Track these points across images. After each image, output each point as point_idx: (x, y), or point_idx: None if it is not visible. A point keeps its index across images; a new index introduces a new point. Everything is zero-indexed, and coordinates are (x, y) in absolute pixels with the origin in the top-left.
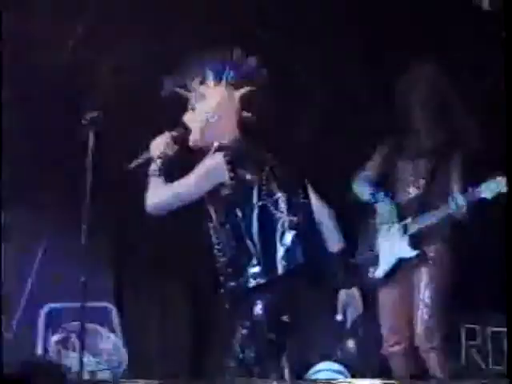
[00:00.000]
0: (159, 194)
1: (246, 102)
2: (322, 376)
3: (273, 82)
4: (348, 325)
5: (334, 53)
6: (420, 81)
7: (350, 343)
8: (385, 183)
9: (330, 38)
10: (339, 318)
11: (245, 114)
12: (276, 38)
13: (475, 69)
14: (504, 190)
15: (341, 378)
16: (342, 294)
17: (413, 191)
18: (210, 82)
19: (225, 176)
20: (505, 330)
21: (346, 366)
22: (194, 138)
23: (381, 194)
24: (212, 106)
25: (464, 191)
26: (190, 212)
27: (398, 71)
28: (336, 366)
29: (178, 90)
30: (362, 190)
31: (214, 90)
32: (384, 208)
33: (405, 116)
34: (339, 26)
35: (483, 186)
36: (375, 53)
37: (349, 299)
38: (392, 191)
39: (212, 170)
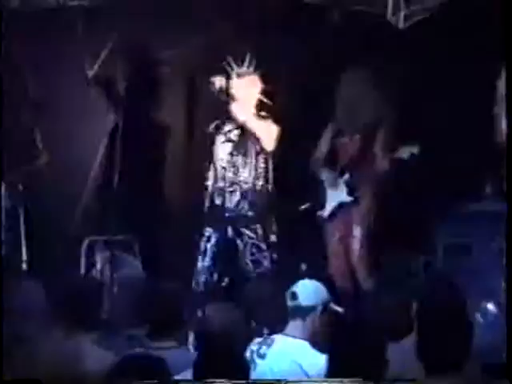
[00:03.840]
0: None
1: None
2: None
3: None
4: None
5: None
6: (354, 81)
7: (303, 266)
8: (331, 154)
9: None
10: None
11: None
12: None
13: (392, 73)
14: (415, 151)
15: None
16: None
17: (350, 156)
18: None
19: None
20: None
21: None
22: None
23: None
24: None
25: (386, 154)
26: None
27: (339, 75)
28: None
29: None
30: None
31: None
32: (328, 177)
33: (345, 105)
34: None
35: (400, 149)
36: (325, 62)
37: None
38: (335, 160)
39: None
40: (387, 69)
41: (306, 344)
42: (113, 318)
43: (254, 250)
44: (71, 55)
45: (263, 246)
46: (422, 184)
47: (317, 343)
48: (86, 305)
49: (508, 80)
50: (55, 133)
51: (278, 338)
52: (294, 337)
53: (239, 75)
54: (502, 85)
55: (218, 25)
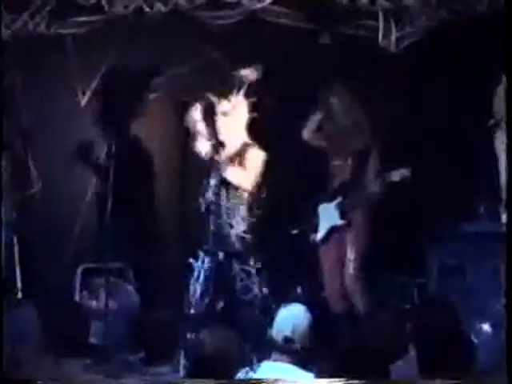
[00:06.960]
0: None
1: None
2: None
3: None
4: None
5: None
6: (346, 106)
7: (299, 289)
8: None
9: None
10: None
11: None
12: None
13: (385, 96)
14: (407, 174)
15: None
16: None
17: (342, 179)
18: None
19: None
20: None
21: None
22: None
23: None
24: None
25: (378, 177)
26: None
27: (330, 99)
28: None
29: None
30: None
31: None
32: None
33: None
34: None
35: (392, 172)
36: (316, 86)
37: None
38: (328, 183)
39: None
40: (380, 93)
41: (293, 367)
42: (108, 344)
43: (244, 276)
44: (63, 83)
45: (253, 272)
46: (416, 206)
47: (303, 365)
48: (80, 332)
49: (508, 101)
50: (48, 160)
51: (264, 364)
52: (281, 361)
53: (225, 114)
54: (497, 106)
55: (207, 52)
